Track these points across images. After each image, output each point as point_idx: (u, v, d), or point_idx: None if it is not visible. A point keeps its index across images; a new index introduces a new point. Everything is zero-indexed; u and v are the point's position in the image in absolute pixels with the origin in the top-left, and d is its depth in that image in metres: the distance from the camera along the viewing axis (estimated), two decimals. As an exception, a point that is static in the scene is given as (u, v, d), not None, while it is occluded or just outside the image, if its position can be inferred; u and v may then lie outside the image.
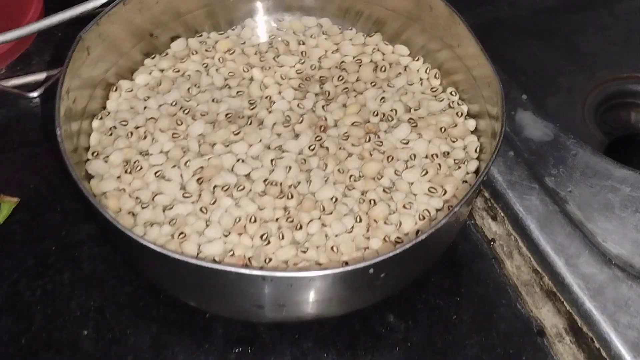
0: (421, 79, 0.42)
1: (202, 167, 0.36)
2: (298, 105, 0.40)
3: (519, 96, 0.45)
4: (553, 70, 0.72)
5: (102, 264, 0.37)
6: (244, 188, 0.35)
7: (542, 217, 0.37)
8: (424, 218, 0.35)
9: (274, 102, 0.40)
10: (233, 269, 0.28)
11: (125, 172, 0.36)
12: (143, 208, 0.35)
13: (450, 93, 0.40)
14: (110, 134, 0.38)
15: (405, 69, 0.42)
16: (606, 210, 0.39)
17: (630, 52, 0.72)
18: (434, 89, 0.41)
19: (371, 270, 0.29)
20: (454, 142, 0.38)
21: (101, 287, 0.36)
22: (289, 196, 0.35)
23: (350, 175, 0.36)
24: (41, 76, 0.46)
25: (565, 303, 0.35)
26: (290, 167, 0.36)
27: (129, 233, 0.29)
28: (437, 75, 0.41)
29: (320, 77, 0.42)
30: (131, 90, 0.40)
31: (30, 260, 0.37)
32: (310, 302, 0.31)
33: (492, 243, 0.39)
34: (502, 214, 0.39)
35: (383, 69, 0.42)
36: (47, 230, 0.38)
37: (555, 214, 0.37)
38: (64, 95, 0.34)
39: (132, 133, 0.38)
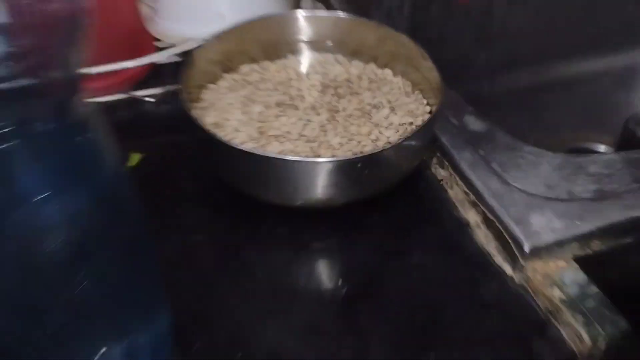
0: (400, 87, 0.66)
1: (261, 126, 0.60)
2: (320, 100, 0.64)
3: (470, 110, 0.68)
4: (522, 137, 0.96)
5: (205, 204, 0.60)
6: (285, 137, 0.59)
7: (471, 164, 0.60)
8: (395, 155, 0.58)
9: (305, 98, 0.64)
10: (287, 158, 0.51)
11: (216, 127, 0.60)
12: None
13: (416, 93, 0.64)
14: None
15: (389, 82, 0.66)
16: (516, 166, 0.62)
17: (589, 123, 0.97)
18: (407, 92, 0.65)
19: (359, 164, 0.52)
20: (416, 117, 0.61)
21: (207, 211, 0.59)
22: (315, 142, 0.58)
23: (352, 133, 0.59)
24: (156, 91, 0.71)
25: (481, 207, 0.57)
26: (314, 129, 0.60)
27: (219, 137, 0.52)
28: (409, 85, 0.65)
29: (336, 86, 0.66)
30: (217, 90, 0.65)
31: (154, 200, 0.60)
32: (322, 186, 0.53)
33: (440, 181, 0.61)
34: (447, 164, 0.61)
35: (375, 81, 0.66)
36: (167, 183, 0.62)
37: (480, 163, 0.60)
38: (183, 88, 0.59)
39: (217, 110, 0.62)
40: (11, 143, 0.33)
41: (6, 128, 0.32)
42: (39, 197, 0.35)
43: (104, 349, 0.42)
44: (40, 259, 0.37)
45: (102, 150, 0.38)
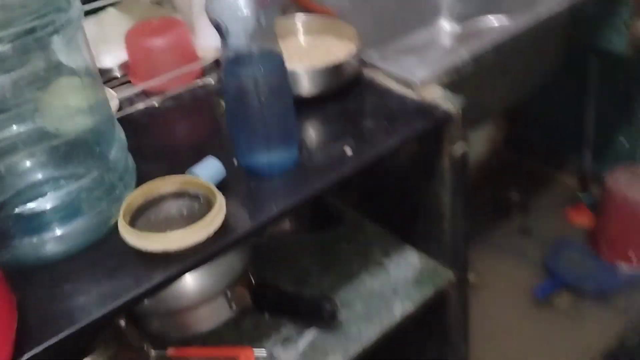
0: (339, 41, 1.28)
1: (280, 68, 1.21)
2: (303, 51, 1.25)
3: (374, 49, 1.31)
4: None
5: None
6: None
7: (385, 65, 1.22)
8: (348, 65, 1.20)
9: (299, 50, 1.26)
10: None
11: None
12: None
13: (347, 41, 1.27)
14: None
15: (334, 39, 1.29)
16: (407, 63, 1.24)
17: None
18: (342, 41, 1.27)
19: (327, 70, 1.14)
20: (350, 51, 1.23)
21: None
22: (308, 68, 1.20)
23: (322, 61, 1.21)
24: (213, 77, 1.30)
25: (394, 77, 1.19)
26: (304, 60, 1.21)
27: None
28: (342, 39, 1.28)
29: (310, 44, 1.28)
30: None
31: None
32: (314, 83, 1.14)
33: (372, 79, 1.23)
34: (373, 69, 1.23)
35: (328, 40, 1.28)
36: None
37: (388, 64, 1.23)
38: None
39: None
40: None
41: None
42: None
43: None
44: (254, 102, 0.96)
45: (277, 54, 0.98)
